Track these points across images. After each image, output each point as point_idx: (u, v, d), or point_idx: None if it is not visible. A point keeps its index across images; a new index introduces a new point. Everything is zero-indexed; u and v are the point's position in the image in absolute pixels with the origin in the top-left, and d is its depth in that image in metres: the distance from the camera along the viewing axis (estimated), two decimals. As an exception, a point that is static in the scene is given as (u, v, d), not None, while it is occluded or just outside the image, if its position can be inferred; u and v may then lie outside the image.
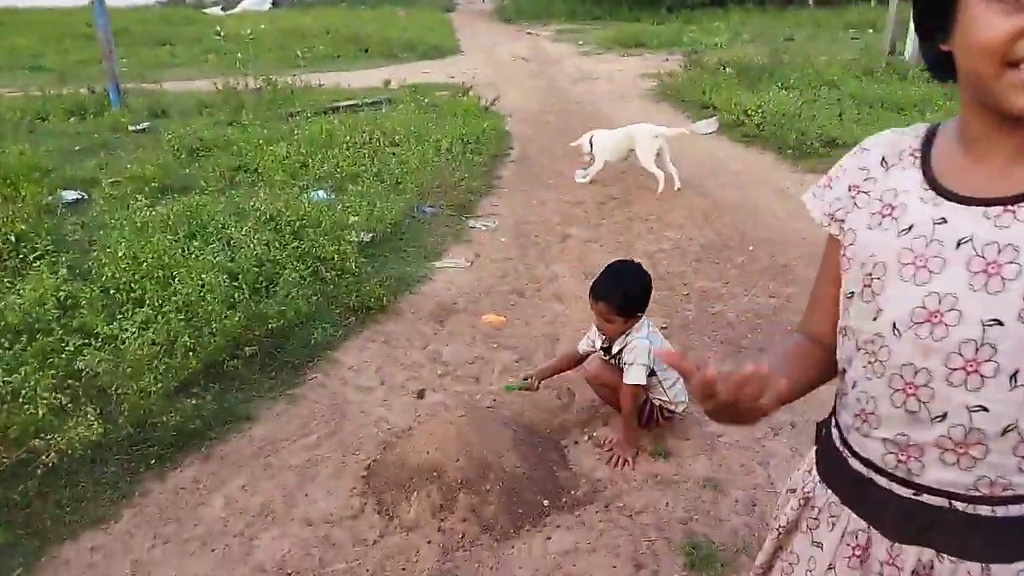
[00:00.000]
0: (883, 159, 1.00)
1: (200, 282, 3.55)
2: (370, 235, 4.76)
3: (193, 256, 3.91)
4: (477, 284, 4.39)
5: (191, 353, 3.13)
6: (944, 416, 0.89)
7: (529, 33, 19.71)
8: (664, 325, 3.75)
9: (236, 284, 3.70)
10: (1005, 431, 0.86)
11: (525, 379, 3.09)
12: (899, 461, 0.94)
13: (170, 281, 3.61)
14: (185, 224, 4.51)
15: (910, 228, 0.91)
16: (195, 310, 3.38)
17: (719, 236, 5.06)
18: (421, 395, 3.21)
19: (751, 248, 4.84)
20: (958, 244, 0.87)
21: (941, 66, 0.90)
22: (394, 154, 6.53)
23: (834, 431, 1.07)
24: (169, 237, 4.19)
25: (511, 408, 3.10)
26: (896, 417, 0.93)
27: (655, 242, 5.00)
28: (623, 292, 2.68)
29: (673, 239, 5.04)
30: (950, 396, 0.88)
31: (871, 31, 15.36)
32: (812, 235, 4.73)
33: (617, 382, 2.76)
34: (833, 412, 1.09)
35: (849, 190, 1.02)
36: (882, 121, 7.21)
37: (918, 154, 0.97)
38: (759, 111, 7.64)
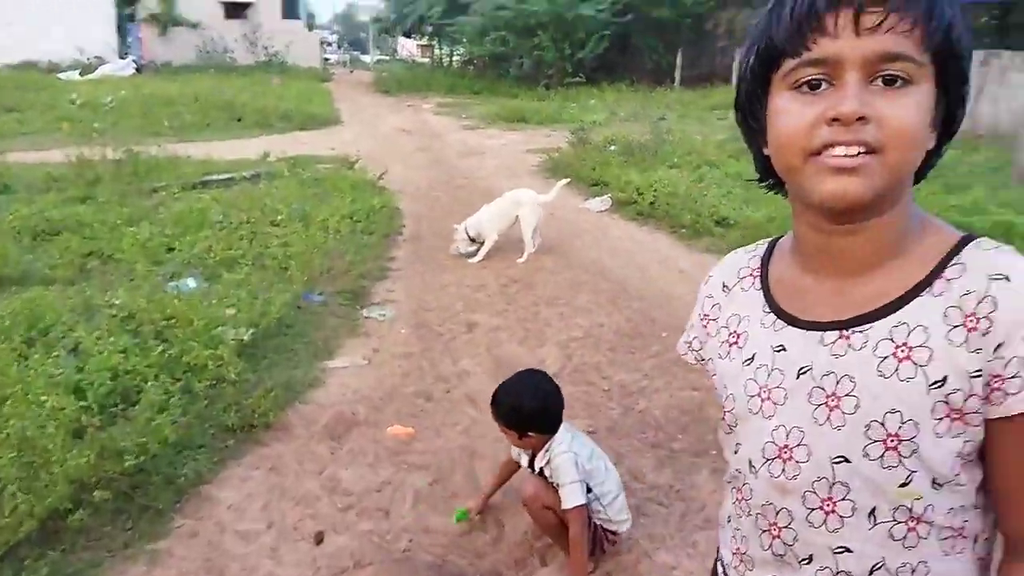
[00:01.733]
0: (724, 284, 0.98)
1: (39, 406, 2.87)
2: (250, 331, 4.17)
3: (31, 370, 3.21)
4: (378, 387, 3.90)
5: (23, 508, 2.45)
6: (811, 559, 0.85)
7: (410, 105, 19.66)
8: (591, 429, 3.41)
9: (85, 404, 3.04)
10: (872, 571, 0.82)
11: (468, 511, 2.71)
12: None
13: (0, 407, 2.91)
14: (22, 327, 3.77)
15: (753, 357, 0.89)
16: (31, 445, 2.70)
17: (630, 322, 4.83)
18: (319, 539, 2.67)
19: (664, 335, 4.62)
20: (798, 374, 0.84)
21: (770, 173, 0.87)
22: (276, 235, 5.96)
23: (719, 566, 1.01)
24: (1, 346, 3.46)
25: (431, 551, 2.62)
26: (766, 560, 0.89)
27: (566, 329, 4.70)
28: (518, 409, 2.39)
29: (584, 326, 4.76)
30: (812, 538, 0.84)
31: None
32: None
33: (557, 505, 2.39)
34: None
35: (701, 320, 1.01)
36: (769, 201, 7.39)
37: (758, 274, 0.94)
38: (651, 190, 7.66)
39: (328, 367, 4.08)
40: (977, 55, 12.26)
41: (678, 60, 23.89)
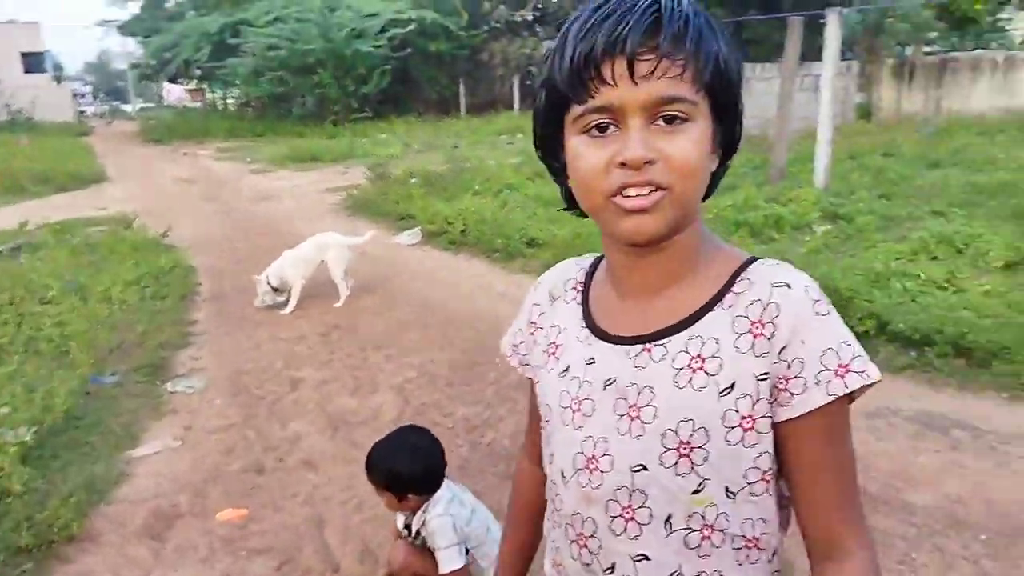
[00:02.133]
0: (550, 293, 1.00)
1: None
2: (33, 431, 3.56)
3: None
4: (197, 469, 3.47)
5: None
6: (613, 568, 0.87)
7: (186, 153, 18.42)
8: (443, 474, 3.26)
9: None
10: None
11: None
12: None
13: None
14: None
15: (567, 369, 0.92)
16: None
17: (464, 354, 4.74)
18: (157, 663, 2.28)
19: (499, 360, 4.56)
20: (605, 385, 0.87)
21: (576, 204, 0.89)
22: (49, 315, 5.20)
23: None
24: None
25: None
26: (577, 570, 0.91)
27: (399, 371, 4.51)
28: (396, 474, 2.22)
29: (416, 365, 4.60)
30: (615, 546, 0.87)
31: (520, 136, 16.90)
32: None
33: (431, 572, 2.22)
34: None
35: (528, 326, 1.02)
36: (573, 219, 7.68)
37: (580, 288, 0.97)
38: (460, 218, 7.68)
39: (134, 456, 3.58)
40: (724, 69, 13.74)
41: (461, 90, 24.51)
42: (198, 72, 29.22)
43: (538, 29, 23.60)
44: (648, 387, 0.84)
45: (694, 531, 0.84)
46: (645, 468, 0.84)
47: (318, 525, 3.00)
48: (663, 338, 0.85)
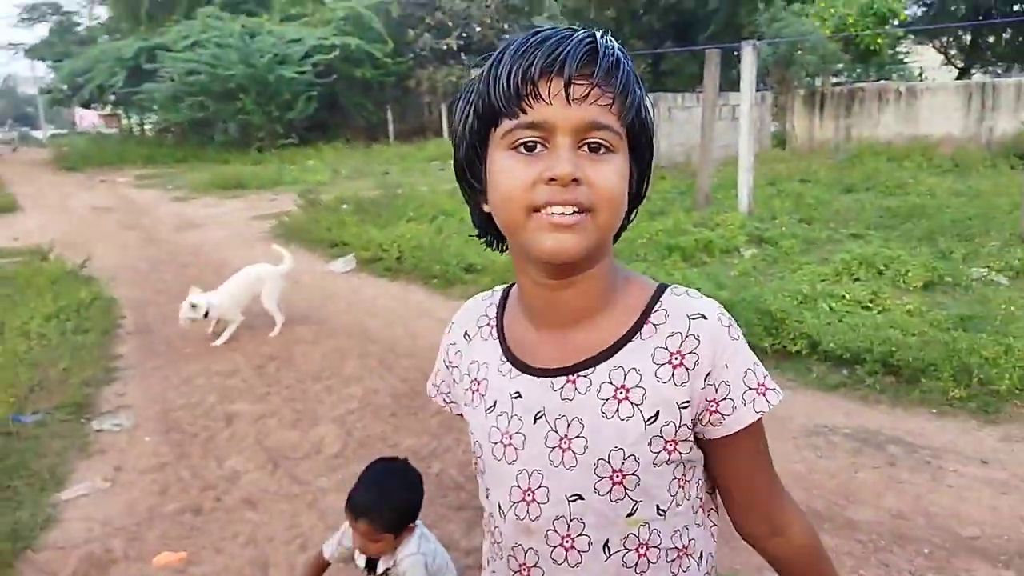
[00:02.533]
0: (465, 332, 1.01)
1: None
2: (-55, 478, 3.31)
3: None
4: (130, 512, 3.29)
5: None
6: None
7: (103, 181, 17.70)
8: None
9: None
10: None
11: None
12: None
13: None
14: None
15: (494, 405, 0.93)
16: None
17: (405, 382, 4.67)
18: None
19: (441, 390, 4.53)
20: (535, 419, 0.89)
21: (489, 230, 0.92)
22: (-41, 351, 4.88)
23: None
24: None
25: None
26: None
27: (340, 403, 4.40)
28: (392, 506, 2.08)
29: (358, 395, 4.50)
30: (557, 574, 0.90)
31: (452, 162, 16.93)
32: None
33: None
34: None
35: (447, 367, 1.04)
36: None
37: (494, 323, 0.98)
38: (395, 245, 7.60)
39: (62, 499, 3.37)
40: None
41: (389, 116, 24.44)
42: (112, 97, 28.22)
43: (463, 57, 23.80)
44: (577, 418, 0.87)
45: (630, 551, 0.89)
46: (581, 497, 0.87)
47: (262, 567, 2.87)
48: (586, 369, 0.88)
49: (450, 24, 23.03)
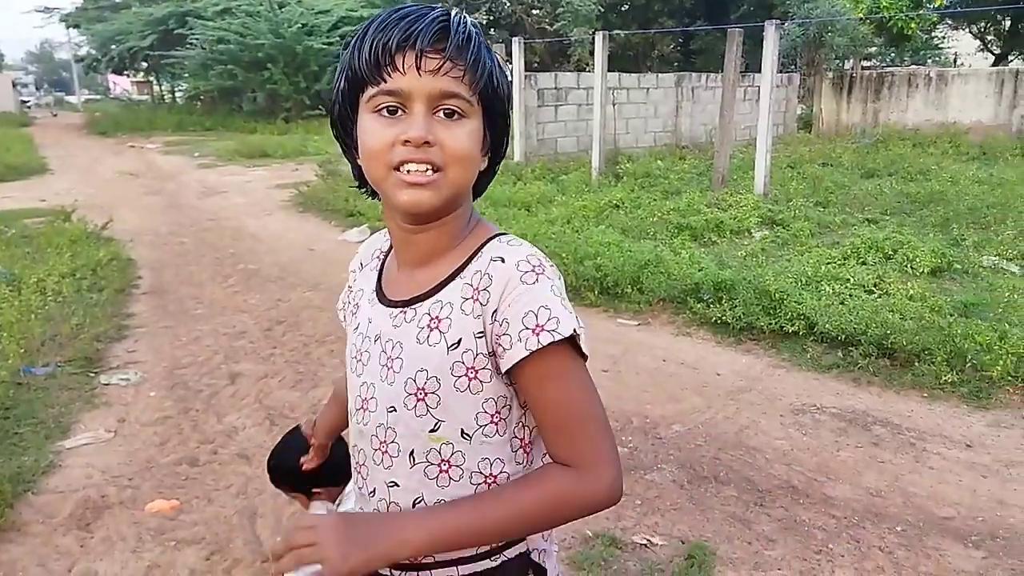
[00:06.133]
0: (360, 263, 1.16)
1: None
2: (-44, 422, 3.47)
3: None
4: (130, 461, 3.42)
5: None
6: (374, 492, 1.04)
7: (132, 146, 17.98)
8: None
9: None
10: (415, 503, 1.00)
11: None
12: None
13: None
14: None
15: (358, 327, 1.07)
16: None
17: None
18: (79, 651, 2.26)
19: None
20: (375, 340, 1.03)
21: (364, 182, 1.02)
22: (-22, 304, 5.05)
23: None
24: None
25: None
26: (360, 494, 1.08)
27: (342, 366, 4.50)
28: (293, 468, 2.16)
29: (358, 361, 4.59)
30: (376, 474, 1.03)
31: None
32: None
33: None
34: None
35: (348, 290, 1.17)
36: (514, 219, 7.75)
37: (381, 257, 1.11)
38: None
39: (64, 447, 3.51)
40: (671, 77, 13.97)
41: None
42: (144, 64, 28.53)
43: (492, 32, 23.65)
44: (399, 342, 1.00)
45: (432, 464, 0.99)
46: (395, 409, 1.00)
47: (250, 517, 2.99)
48: (417, 303, 1.00)
49: (479, -2, 22.87)
